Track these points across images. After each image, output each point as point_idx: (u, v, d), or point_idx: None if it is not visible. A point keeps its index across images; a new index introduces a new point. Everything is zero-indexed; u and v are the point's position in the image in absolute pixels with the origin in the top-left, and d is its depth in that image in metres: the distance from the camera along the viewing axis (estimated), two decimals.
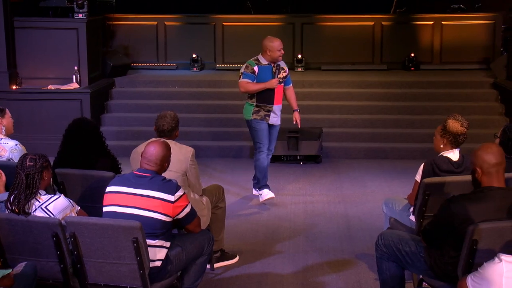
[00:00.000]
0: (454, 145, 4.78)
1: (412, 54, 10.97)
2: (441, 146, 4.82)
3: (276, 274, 5.35)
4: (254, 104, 6.84)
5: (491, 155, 3.72)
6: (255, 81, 6.77)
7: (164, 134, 4.99)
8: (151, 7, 11.81)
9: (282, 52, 6.81)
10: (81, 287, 4.08)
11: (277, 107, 6.88)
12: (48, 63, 9.40)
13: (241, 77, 6.81)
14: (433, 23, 11.12)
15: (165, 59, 11.33)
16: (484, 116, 9.36)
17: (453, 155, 4.80)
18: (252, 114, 6.86)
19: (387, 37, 11.18)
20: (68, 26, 9.40)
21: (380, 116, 9.52)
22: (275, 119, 6.90)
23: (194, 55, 11.03)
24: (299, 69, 10.94)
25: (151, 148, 4.15)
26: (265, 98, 6.81)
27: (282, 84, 6.89)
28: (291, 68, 11.00)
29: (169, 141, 4.85)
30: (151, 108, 9.44)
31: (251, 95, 6.86)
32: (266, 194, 6.97)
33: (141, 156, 4.18)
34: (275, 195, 7.02)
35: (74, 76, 9.33)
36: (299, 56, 11.02)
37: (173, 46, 11.31)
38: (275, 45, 6.76)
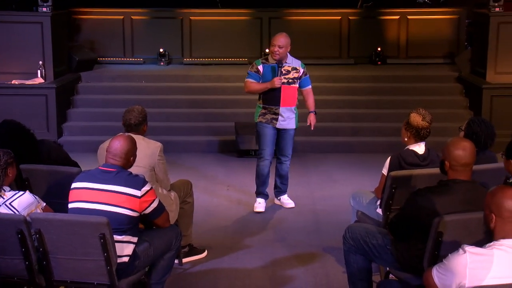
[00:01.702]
0: (417, 138, 4.83)
1: (379, 49, 11.06)
2: (406, 139, 4.89)
3: (245, 268, 5.36)
4: (261, 105, 6.49)
5: (462, 154, 3.74)
6: (261, 81, 6.41)
7: (131, 129, 4.94)
8: (117, 1, 11.69)
9: (273, 49, 6.35)
10: (47, 284, 4.03)
11: (285, 110, 6.42)
12: (12, 58, 9.25)
13: (246, 76, 6.51)
14: (399, 18, 11.23)
15: (132, 54, 11.25)
16: (449, 110, 9.48)
17: (419, 148, 4.86)
18: (259, 116, 6.49)
19: (354, 31, 11.26)
20: (32, 20, 9.25)
21: (347, 110, 9.58)
22: (284, 122, 6.45)
23: (161, 50, 10.98)
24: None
25: (116, 143, 4.11)
26: (270, 99, 6.42)
27: (295, 85, 6.45)
28: None
29: (137, 136, 4.81)
30: (118, 103, 9.35)
31: (259, 96, 6.51)
32: (258, 205, 6.64)
33: (106, 151, 4.14)
34: (244, 190, 7.03)
35: (39, 71, 9.20)
36: (267, 50, 10.94)
37: (140, 40, 11.23)
38: (273, 38, 6.49)
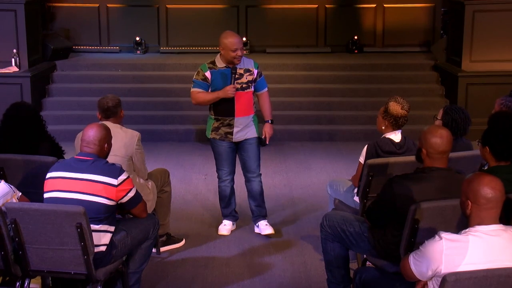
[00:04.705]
0: (395, 127, 4.87)
1: (356, 37, 11.09)
2: (383, 127, 4.91)
3: (222, 257, 5.37)
4: (213, 117, 5.58)
5: (439, 141, 3.77)
6: (210, 90, 5.48)
7: (110, 112, 4.90)
8: None
9: (239, 53, 5.38)
10: (23, 274, 4.00)
11: (242, 120, 5.52)
12: None
13: (192, 85, 5.53)
14: (375, 6, 11.26)
15: (108, 42, 11.15)
16: (425, 98, 9.55)
17: (395, 136, 4.89)
18: (211, 131, 5.58)
19: (331, 20, 11.27)
20: (5, 8, 9.12)
21: (324, 99, 9.60)
22: (241, 133, 5.56)
23: (137, 38, 10.90)
24: (244, 52, 10.87)
25: (89, 130, 4.11)
26: (223, 109, 5.49)
27: (251, 89, 5.56)
28: None
29: (114, 125, 4.80)
30: (94, 92, 9.27)
31: (209, 106, 5.59)
32: (221, 228, 5.83)
33: (81, 140, 4.12)
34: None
35: (13, 59, 9.08)
36: (244, 39, 10.95)
37: (116, 28, 11.14)
38: (229, 42, 5.35)
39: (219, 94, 5.43)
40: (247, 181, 5.77)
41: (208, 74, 5.46)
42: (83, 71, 10.07)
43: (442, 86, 9.79)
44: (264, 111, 5.71)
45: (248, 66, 5.55)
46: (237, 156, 5.75)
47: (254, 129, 5.62)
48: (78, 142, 4.78)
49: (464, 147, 4.96)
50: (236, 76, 5.47)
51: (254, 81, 5.59)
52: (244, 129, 5.57)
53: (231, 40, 5.37)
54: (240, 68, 5.50)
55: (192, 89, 5.53)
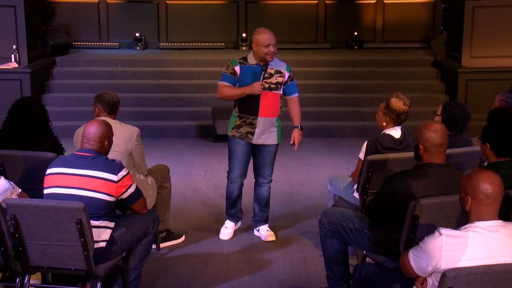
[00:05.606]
0: (396, 123, 4.87)
1: (356, 33, 11.10)
2: (384, 123, 4.91)
3: (222, 253, 5.37)
4: (237, 114, 5.45)
5: (434, 135, 3.78)
6: (237, 85, 5.37)
7: (115, 107, 4.92)
8: None
9: (271, 49, 5.25)
10: (23, 270, 4.00)
11: (265, 121, 5.37)
12: None
13: (220, 79, 5.43)
14: (375, 2, 11.26)
15: (107, 38, 11.16)
16: (425, 94, 9.55)
17: (395, 132, 4.89)
18: (232, 128, 5.44)
19: (331, 16, 11.27)
20: (5, 3, 9.11)
21: (324, 95, 9.60)
22: (262, 137, 5.40)
23: (137, 34, 10.90)
24: (244, 48, 10.91)
25: (90, 127, 4.11)
26: (246, 107, 5.36)
27: (278, 91, 5.41)
28: (236, 47, 10.99)
29: (114, 121, 4.80)
30: (94, 88, 9.24)
31: (234, 102, 5.47)
32: (223, 231, 5.69)
33: (81, 136, 4.12)
34: (221, 175, 6.99)
35: (13, 55, 9.08)
36: (244, 35, 10.99)
37: (116, 24, 11.14)
38: (261, 38, 5.25)
39: (246, 90, 5.30)
40: (257, 184, 5.65)
41: (237, 68, 5.36)
42: (83, 67, 10.06)
43: (442, 82, 9.79)
44: (294, 117, 5.57)
45: (280, 68, 5.42)
46: (251, 158, 5.61)
47: (276, 136, 5.49)
48: (77, 138, 4.79)
49: (463, 143, 4.96)
50: (266, 75, 5.34)
51: (284, 84, 5.44)
52: (265, 132, 5.42)
53: (263, 36, 5.28)
54: (271, 68, 5.38)
55: (219, 82, 5.41)
